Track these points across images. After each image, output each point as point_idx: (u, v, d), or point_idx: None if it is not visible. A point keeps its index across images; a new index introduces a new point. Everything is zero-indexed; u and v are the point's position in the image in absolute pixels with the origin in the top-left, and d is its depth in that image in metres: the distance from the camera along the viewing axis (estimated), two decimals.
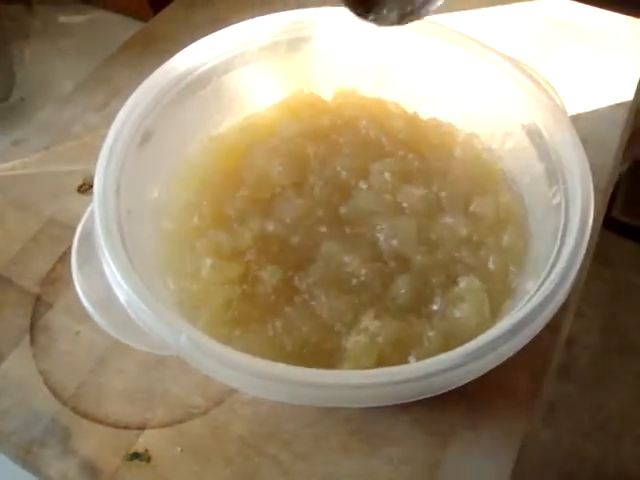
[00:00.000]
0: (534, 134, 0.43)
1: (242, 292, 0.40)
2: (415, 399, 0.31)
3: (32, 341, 0.47)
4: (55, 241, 0.52)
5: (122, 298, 0.33)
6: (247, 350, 0.32)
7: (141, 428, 0.43)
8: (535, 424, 0.44)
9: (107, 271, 0.34)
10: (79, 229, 0.39)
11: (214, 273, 0.41)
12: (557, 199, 0.39)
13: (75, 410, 0.44)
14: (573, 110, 0.43)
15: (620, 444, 1.19)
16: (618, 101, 0.61)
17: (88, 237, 0.38)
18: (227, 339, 0.38)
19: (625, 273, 1.39)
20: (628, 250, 1.41)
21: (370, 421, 0.43)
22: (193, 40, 0.46)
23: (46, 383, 0.45)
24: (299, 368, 0.30)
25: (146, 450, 0.42)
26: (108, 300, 0.34)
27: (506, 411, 0.43)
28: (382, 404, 0.32)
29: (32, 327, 0.48)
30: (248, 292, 0.40)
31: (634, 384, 1.26)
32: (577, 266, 0.33)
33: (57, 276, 0.51)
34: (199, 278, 0.41)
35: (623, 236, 1.40)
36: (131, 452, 0.42)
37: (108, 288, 0.34)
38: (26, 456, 0.42)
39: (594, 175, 0.39)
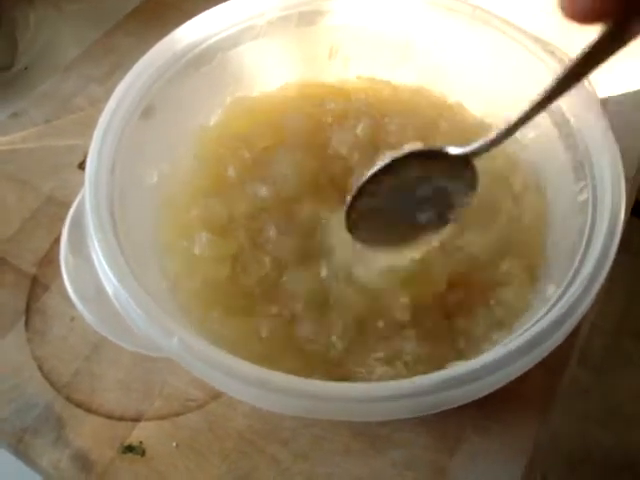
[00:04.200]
0: (561, 121, 0.39)
1: (231, 273, 0.39)
2: (440, 410, 0.29)
3: (27, 325, 0.46)
4: (53, 220, 0.51)
5: (112, 295, 0.31)
6: (222, 336, 0.30)
7: (136, 420, 0.41)
8: (548, 430, 0.42)
9: (97, 264, 0.32)
10: (70, 213, 0.37)
11: (207, 248, 0.39)
12: (584, 196, 0.36)
13: (69, 399, 0.42)
14: (601, 94, 0.40)
15: (631, 430, 1.17)
16: None
17: (80, 222, 0.36)
18: (203, 319, 0.36)
19: None
20: None
21: (374, 422, 0.41)
22: (203, 9, 0.43)
23: (40, 370, 0.44)
24: (297, 378, 0.28)
25: (141, 443, 0.41)
26: (98, 294, 0.32)
27: (518, 416, 0.41)
28: (396, 417, 0.30)
29: (28, 310, 0.46)
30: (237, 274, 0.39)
31: None
32: (603, 276, 0.31)
33: (54, 256, 0.48)
34: (191, 251, 0.39)
35: None
36: (125, 444, 0.40)
37: (98, 281, 0.32)
38: (18, 445, 0.41)
39: (622, 163, 0.35)
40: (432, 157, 0.32)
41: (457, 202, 0.34)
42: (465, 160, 0.32)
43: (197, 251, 0.39)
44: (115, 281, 0.31)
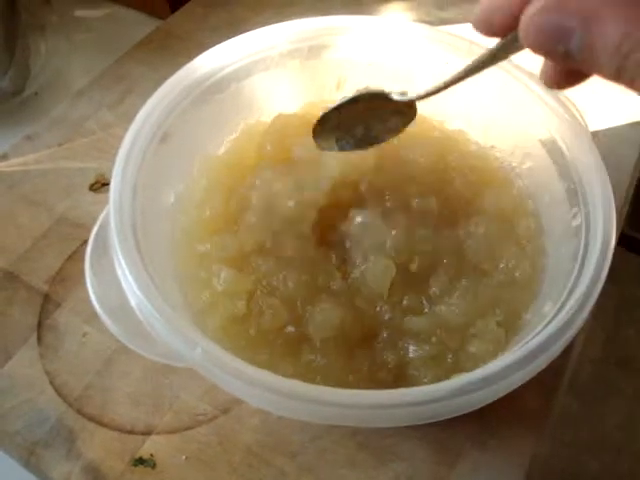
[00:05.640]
0: (555, 152, 0.42)
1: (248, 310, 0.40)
2: (434, 420, 0.31)
3: (39, 340, 0.47)
4: (66, 239, 0.52)
5: (136, 307, 0.32)
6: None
7: (147, 433, 0.43)
8: (544, 444, 0.44)
9: (121, 278, 0.33)
10: (94, 230, 0.39)
11: (225, 282, 0.40)
12: (577, 221, 0.38)
13: (80, 412, 0.44)
14: (591, 127, 0.43)
15: (619, 458, 1.18)
16: (636, 119, 0.60)
17: (103, 239, 0.37)
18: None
19: (629, 287, 1.39)
20: (633, 264, 1.41)
21: (377, 435, 0.42)
22: (210, 40, 0.46)
23: (52, 384, 0.45)
24: (319, 387, 0.30)
25: (151, 455, 0.42)
26: (121, 306, 0.34)
27: (516, 431, 0.43)
28: (395, 425, 0.32)
29: (40, 326, 0.48)
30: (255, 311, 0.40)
31: (634, 398, 1.25)
32: (596, 293, 0.33)
33: (66, 275, 0.50)
34: (210, 286, 0.40)
35: (628, 250, 1.39)
36: (137, 457, 0.42)
37: (121, 294, 0.34)
38: (29, 457, 0.42)
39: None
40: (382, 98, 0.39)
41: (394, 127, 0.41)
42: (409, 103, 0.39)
43: (215, 284, 0.40)
44: (139, 293, 0.32)
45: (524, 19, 0.24)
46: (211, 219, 0.42)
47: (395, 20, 0.50)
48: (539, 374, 0.33)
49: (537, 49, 0.24)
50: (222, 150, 0.47)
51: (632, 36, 0.21)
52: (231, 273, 0.39)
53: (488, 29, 0.28)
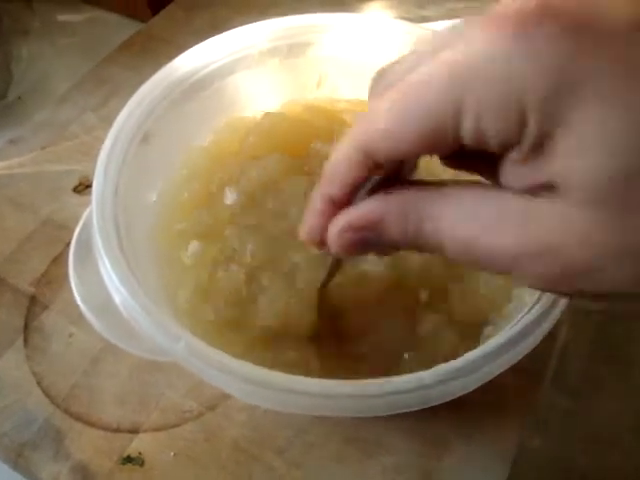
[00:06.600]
0: None
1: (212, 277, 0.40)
2: (411, 410, 0.31)
3: (26, 342, 0.47)
4: (51, 241, 0.52)
5: (120, 303, 0.33)
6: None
7: (134, 432, 0.43)
8: (528, 434, 0.44)
9: (105, 276, 0.34)
10: (77, 230, 0.39)
11: (195, 254, 0.41)
12: None
13: (68, 412, 0.44)
14: None
15: (609, 455, 1.19)
16: None
17: (86, 239, 0.38)
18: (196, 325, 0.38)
19: None
20: None
21: (364, 428, 0.43)
22: (192, 42, 0.46)
23: (39, 385, 0.45)
24: (302, 378, 0.30)
25: (140, 453, 0.42)
26: (105, 304, 0.34)
27: (501, 421, 0.43)
28: (377, 414, 0.32)
29: (26, 328, 0.48)
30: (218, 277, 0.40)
31: (623, 395, 1.26)
32: None
33: (52, 277, 0.50)
34: (182, 261, 0.41)
35: None
36: (125, 456, 0.42)
37: (105, 291, 0.34)
38: (17, 459, 0.42)
39: None
40: None
41: None
42: None
43: (187, 259, 0.41)
44: (123, 290, 0.33)
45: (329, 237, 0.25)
46: (189, 201, 0.43)
47: (376, 17, 0.50)
48: (523, 364, 0.33)
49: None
50: (205, 144, 0.47)
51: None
52: (198, 245, 0.40)
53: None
